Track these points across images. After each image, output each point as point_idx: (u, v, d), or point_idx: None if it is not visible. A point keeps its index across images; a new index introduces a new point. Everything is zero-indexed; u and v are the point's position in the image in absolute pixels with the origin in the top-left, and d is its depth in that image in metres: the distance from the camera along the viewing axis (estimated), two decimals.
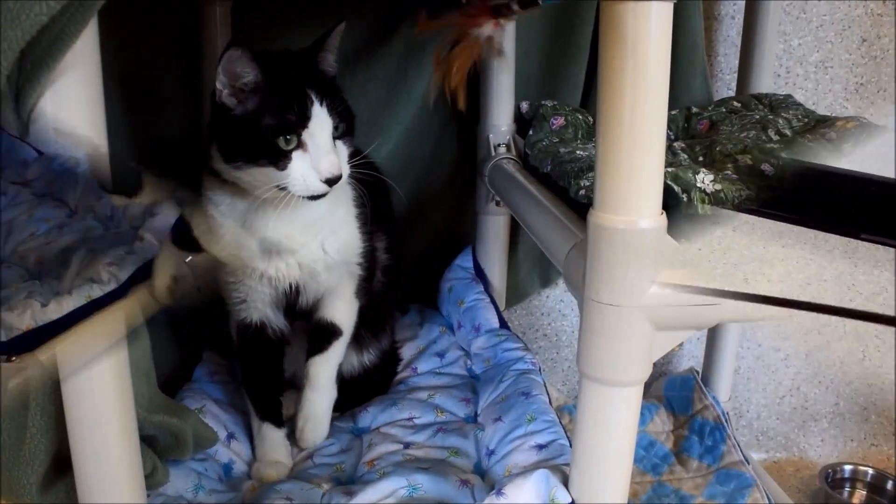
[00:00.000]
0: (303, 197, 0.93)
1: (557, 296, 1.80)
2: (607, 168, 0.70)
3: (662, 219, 0.72)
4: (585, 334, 0.75)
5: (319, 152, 0.92)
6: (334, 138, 0.95)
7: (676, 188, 0.79)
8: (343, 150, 0.97)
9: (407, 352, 1.40)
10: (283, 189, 0.93)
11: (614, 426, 0.77)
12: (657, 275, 0.72)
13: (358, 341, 1.22)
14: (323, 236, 1.04)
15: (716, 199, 0.79)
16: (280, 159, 0.91)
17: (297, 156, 0.92)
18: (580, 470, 0.82)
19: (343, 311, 1.14)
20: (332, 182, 0.93)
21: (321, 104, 0.93)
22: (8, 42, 0.54)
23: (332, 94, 0.95)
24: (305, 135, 0.92)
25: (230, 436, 1.12)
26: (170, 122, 1.29)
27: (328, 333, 1.14)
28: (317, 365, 1.15)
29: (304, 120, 0.91)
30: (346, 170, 0.95)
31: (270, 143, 0.91)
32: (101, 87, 0.63)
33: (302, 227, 1.02)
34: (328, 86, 0.96)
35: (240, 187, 0.97)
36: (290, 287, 1.06)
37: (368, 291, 1.17)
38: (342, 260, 1.08)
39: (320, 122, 0.92)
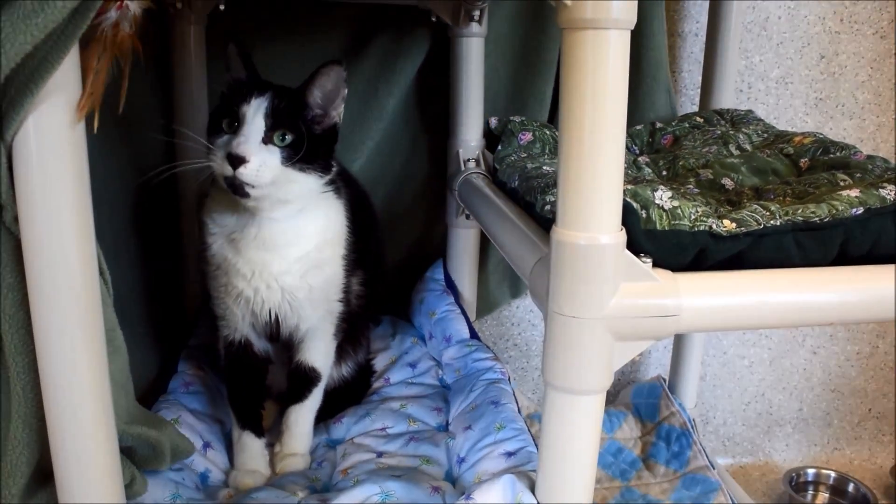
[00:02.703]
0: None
1: (527, 306, 1.82)
2: (568, 187, 0.72)
3: (622, 235, 0.74)
4: (549, 345, 0.78)
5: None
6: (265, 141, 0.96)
7: (635, 205, 0.82)
8: (276, 153, 0.96)
9: (380, 362, 1.42)
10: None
11: (577, 433, 0.80)
12: (617, 288, 0.75)
13: (338, 354, 1.23)
14: (307, 269, 1.06)
15: (673, 216, 0.82)
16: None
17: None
18: (546, 475, 0.84)
19: (322, 353, 1.17)
20: (236, 163, 0.93)
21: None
22: None
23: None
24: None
25: (206, 445, 1.13)
26: (143, 139, 1.30)
27: (307, 380, 1.16)
28: (296, 413, 1.17)
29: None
30: (265, 171, 0.95)
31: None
32: None
33: (282, 256, 1.04)
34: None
35: (235, 205, 1.01)
36: (270, 315, 1.08)
37: (347, 317, 1.19)
38: (323, 297, 1.10)
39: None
